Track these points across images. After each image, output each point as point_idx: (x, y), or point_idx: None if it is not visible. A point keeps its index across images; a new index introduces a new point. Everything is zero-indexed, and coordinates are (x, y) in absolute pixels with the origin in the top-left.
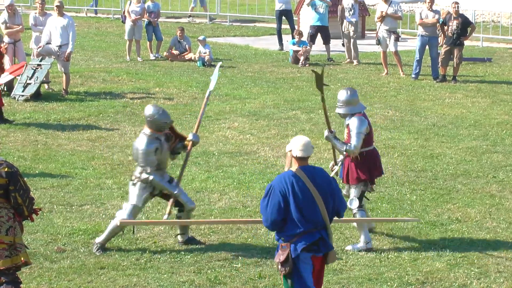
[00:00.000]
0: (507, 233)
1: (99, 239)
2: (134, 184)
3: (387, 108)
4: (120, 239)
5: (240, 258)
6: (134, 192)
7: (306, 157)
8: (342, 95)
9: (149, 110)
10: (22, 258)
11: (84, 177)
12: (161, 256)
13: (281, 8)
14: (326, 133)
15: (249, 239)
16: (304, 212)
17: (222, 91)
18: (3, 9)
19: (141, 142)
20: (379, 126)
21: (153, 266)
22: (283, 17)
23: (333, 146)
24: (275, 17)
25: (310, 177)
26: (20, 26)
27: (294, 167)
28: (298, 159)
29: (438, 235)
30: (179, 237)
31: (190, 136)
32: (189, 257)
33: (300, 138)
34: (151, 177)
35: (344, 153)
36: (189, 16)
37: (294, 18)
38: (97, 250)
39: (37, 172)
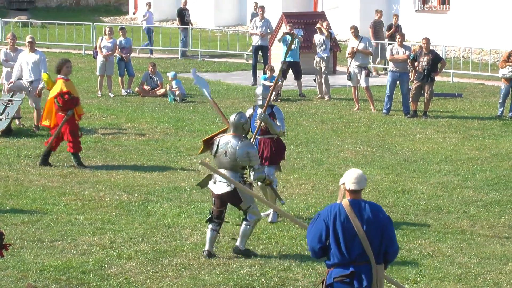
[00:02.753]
0: (478, 268)
1: (239, 243)
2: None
3: (358, 144)
4: (91, 275)
5: None
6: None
7: (359, 190)
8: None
9: (237, 116)
10: None
11: (55, 213)
12: None
13: (257, 44)
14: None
15: (221, 275)
16: (342, 245)
17: (193, 126)
18: None
19: (249, 144)
20: (350, 161)
21: None
22: (259, 53)
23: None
24: (250, 52)
25: (357, 211)
26: None
27: (345, 199)
28: (351, 191)
29: (410, 270)
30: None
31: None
32: None
33: (353, 171)
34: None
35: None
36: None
37: None
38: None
39: (7, 208)
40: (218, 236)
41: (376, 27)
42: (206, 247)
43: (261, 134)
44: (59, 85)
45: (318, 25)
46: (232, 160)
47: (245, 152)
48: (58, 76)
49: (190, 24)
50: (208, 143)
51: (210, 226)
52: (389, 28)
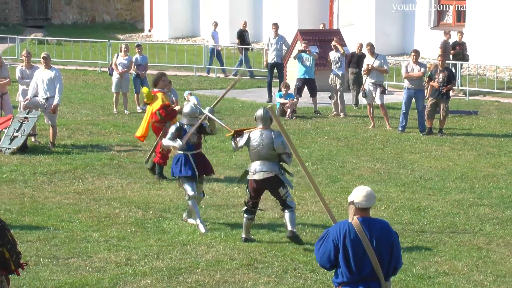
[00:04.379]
0: (494, 286)
1: (292, 227)
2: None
3: (373, 161)
4: None
5: None
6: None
7: (367, 208)
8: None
9: (264, 111)
10: None
11: (70, 230)
12: None
13: (273, 61)
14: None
15: None
16: (353, 264)
17: (209, 144)
18: None
19: (280, 135)
20: (366, 178)
21: None
22: (274, 70)
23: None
24: (266, 69)
25: (367, 229)
26: (7, 79)
27: (355, 218)
28: (359, 209)
29: None
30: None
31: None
32: None
33: (362, 188)
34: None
35: None
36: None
37: None
38: None
39: (23, 225)
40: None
41: (446, 47)
42: (243, 235)
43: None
44: (160, 98)
45: (333, 43)
46: (270, 149)
47: (280, 141)
48: (155, 89)
49: (250, 45)
50: (238, 134)
51: (245, 215)
52: (453, 47)
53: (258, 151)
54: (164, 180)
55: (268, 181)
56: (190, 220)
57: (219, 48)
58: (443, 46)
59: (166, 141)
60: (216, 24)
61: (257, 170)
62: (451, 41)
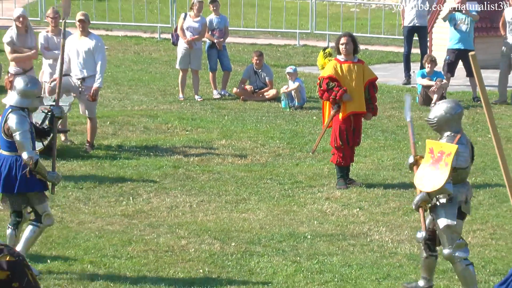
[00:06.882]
0: None
1: None
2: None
3: None
4: None
5: None
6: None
7: None
8: None
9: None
10: None
11: (116, 269)
12: None
13: (411, 24)
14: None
15: None
16: None
17: (319, 145)
18: (8, 26)
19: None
20: None
21: None
22: (414, 37)
23: None
24: (402, 36)
25: None
26: (33, 51)
27: None
28: None
29: None
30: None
31: None
32: None
33: None
34: None
35: None
36: None
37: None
38: None
39: (48, 261)
40: None
41: None
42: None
43: None
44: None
45: None
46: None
47: None
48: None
49: None
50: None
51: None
52: None
53: (469, 169)
54: (345, 188)
55: None
56: None
57: None
58: None
59: None
60: None
61: (468, 197)
62: None
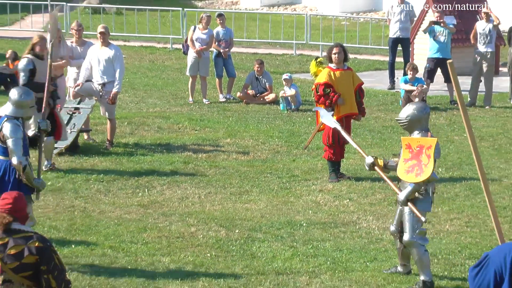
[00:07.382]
0: None
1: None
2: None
3: None
4: None
5: None
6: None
7: None
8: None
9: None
10: None
11: (133, 253)
12: None
13: (395, 36)
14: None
15: None
16: None
17: (312, 142)
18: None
19: None
20: None
21: None
22: (398, 47)
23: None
24: (387, 46)
25: None
26: (64, 60)
27: None
28: None
29: None
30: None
31: None
32: None
33: None
34: None
35: None
36: None
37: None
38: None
39: (73, 246)
40: None
41: None
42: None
43: None
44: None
45: (484, 9)
46: None
47: None
48: None
49: None
50: None
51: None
52: None
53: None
54: (337, 181)
55: None
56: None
57: None
58: None
59: None
60: None
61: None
62: None
